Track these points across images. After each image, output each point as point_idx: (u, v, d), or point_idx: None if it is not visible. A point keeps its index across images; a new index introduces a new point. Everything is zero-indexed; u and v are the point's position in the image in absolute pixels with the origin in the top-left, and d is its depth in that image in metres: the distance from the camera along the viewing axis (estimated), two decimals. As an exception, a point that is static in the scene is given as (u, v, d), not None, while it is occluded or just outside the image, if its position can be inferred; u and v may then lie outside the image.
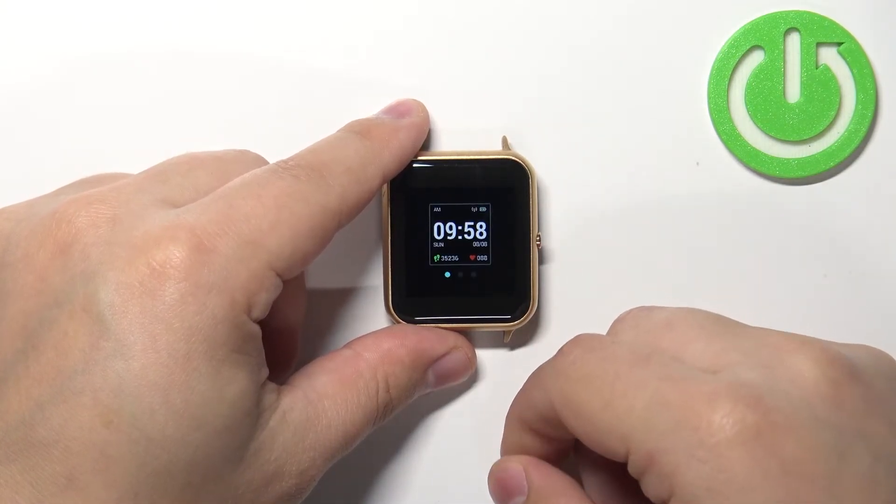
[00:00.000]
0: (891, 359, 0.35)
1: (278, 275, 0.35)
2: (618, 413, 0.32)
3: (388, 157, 0.39)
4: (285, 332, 0.40)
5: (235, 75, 0.43)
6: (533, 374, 0.38)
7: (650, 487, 0.32)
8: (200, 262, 0.33)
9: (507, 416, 0.40)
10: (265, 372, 0.36)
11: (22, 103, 0.43)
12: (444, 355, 0.41)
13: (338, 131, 0.40)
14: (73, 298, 0.33)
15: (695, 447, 0.30)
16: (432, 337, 0.41)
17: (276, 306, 0.36)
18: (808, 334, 0.35)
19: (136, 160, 0.41)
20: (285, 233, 0.35)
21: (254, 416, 0.34)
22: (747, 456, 0.30)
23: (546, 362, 0.37)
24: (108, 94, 0.43)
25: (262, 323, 0.35)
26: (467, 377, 0.43)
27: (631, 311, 0.38)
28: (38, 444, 0.32)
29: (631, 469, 0.33)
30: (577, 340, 0.36)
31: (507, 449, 0.40)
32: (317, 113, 0.43)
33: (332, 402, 0.37)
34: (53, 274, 0.34)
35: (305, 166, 0.37)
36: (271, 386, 0.36)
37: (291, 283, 0.37)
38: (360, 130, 0.39)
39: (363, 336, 0.40)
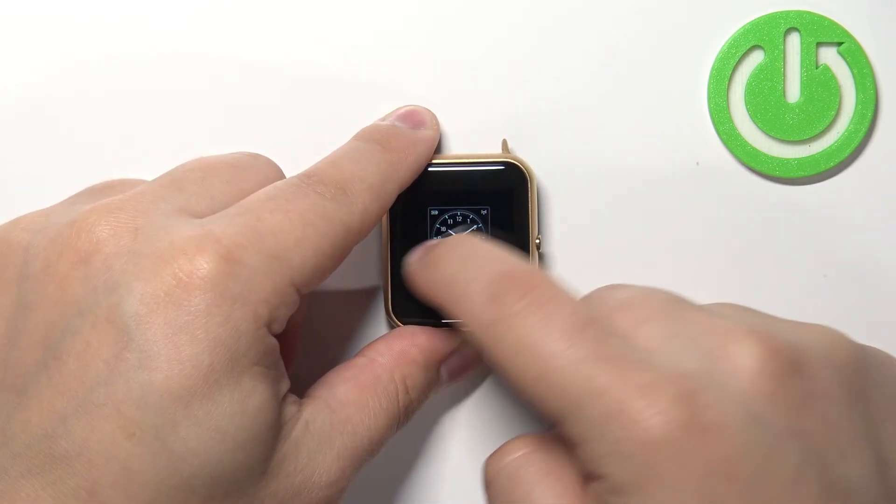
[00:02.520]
0: (845, 344, 0.34)
1: (297, 290, 0.35)
2: (551, 390, 0.32)
3: (405, 171, 0.39)
4: (286, 336, 0.40)
5: (238, 76, 0.43)
6: (463, 275, 0.35)
7: (581, 460, 0.32)
8: (227, 272, 0.33)
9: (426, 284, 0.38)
10: (286, 384, 0.36)
11: (27, 106, 0.43)
12: (453, 352, 0.41)
13: (357, 140, 0.40)
14: (95, 309, 0.33)
15: (624, 441, 0.30)
16: (440, 335, 0.41)
17: None
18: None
19: (142, 161, 0.41)
20: (309, 250, 0.35)
21: (276, 427, 0.34)
22: (674, 454, 0.30)
23: (479, 276, 0.34)
24: (112, 96, 0.43)
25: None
26: (477, 370, 0.43)
27: (598, 288, 0.37)
28: (61, 458, 0.32)
29: (564, 437, 0.32)
30: (521, 283, 0.33)
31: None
32: (318, 113, 0.43)
33: (355, 409, 0.37)
34: (75, 284, 0.33)
35: (330, 183, 0.36)
36: (292, 398, 0.36)
37: None
38: (381, 141, 0.39)
39: (373, 342, 0.40)
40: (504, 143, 0.42)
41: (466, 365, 0.42)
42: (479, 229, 0.41)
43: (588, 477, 0.32)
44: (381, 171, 0.38)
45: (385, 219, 0.41)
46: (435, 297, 0.36)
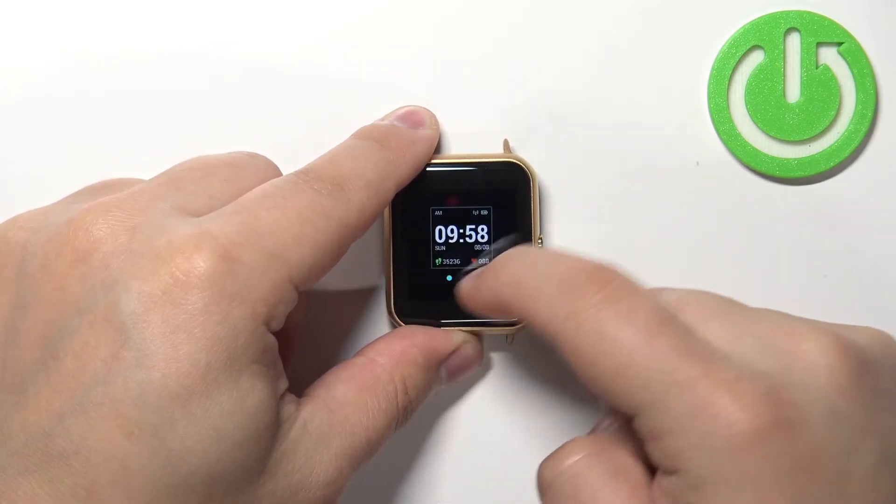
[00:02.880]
0: (893, 343, 0.35)
1: (296, 287, 0.35)
2: (633, 383, 0.31)
3: (403, 169, 0.39)
4: (284, 334, 0.40)
5: (238, 76, 0.43)
6: (530, 271, 0.35)
7: (655, 454, 0.32)
8: (224, 271, 0.33)
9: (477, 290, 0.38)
10: (284, 383, 0.35)
11: (27, 106, 0.43)
12: (453, 351, 0.41)
13: (355, 138, 0.40)
14: (93, 308, 0.33)
15: (709, 435, 0.30)
16: (440, 335, 0.41)
17: None
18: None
19: (142, 161, 0.41)
20: (307, 247, 0.35)
21: (274, 427, 0.34)
22: (760, 450, 0.30)
23: (551, 274, 0.34)
24: (112, 96, 0.43)
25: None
26: (477, 369, 0.43)
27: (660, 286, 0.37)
28: (59, 456, 0.32)
29: (637, 429, 0.32)
30: (596, 277, 0.33)
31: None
32: (318, 113, 0.43)
33: (354, 409, 0.37)
34: (73, 283, 0.33)
35: (327, 179, 0.36)
36: (290, 397, 0.36)
37: None
38: (379, 139, 0.39)
39: (373, 342, 0.40)
40: (506, 142, 0.42)
41: (466, 364, 0.42)
42: (481, 229, 0.41)
43: (663, 472, 0.32)
44: (379, 168, 0.38)
45: (387, 218, 0.41)
46: (501, 300, 0.36)
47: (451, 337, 0.41)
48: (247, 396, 0.33)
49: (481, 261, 0.41)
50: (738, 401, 0.30)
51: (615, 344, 0.32)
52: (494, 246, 0.41)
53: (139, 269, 0.33)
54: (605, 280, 0.33)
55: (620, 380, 0.32)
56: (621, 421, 0.35)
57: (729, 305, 0.35)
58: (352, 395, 0.37)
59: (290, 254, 0.34)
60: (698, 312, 0.34)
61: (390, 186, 0.38)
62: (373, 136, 0.39)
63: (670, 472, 0.31)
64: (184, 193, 0.36)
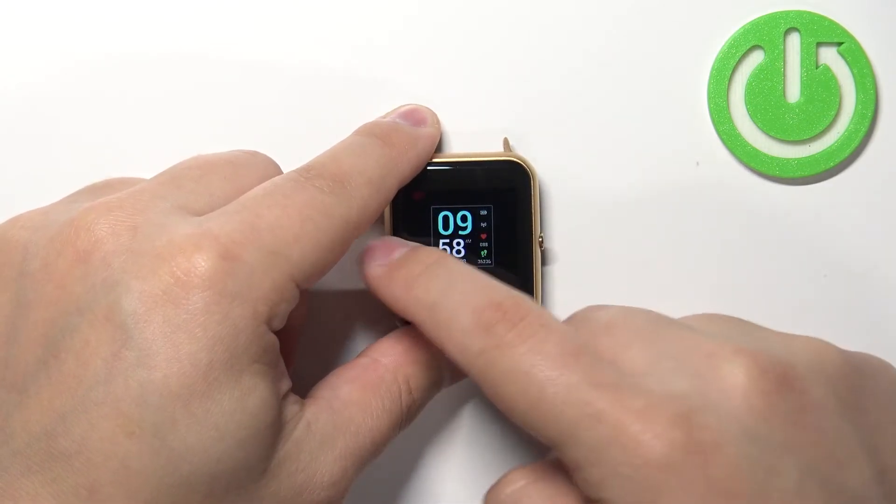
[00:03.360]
0: (835, 356, 0.34)
1: (297, 286, 0.35)
2: (546, 418, 0.32)
3: (405, 167, 0.39)
4: (286, 333, 0.40)
5: (238, 76, 0.43)
6: (451, 306, 0.35)
7: (580, 485, 0.32)
8: (225, 270, 0.33)
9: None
10: (287, 383, 0.35)
11: (27, 106, 0.43)
12: None
13: (356, 134, 0.39)
14: (94, 307, 0.33)
15: (623, 465, 0.30)
16: None
17: None
18: (807, 334, 0.35)
19: (142, 161, 0.41)
20: (308, 245, 0.35)
21: (276, 426, 0.34)
22: (674, 476, 0.30)
23: (465, 305, 0.35)
24: (112, 96, 0.43)
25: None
26: None
27: (578, 311, 0.37)
28: (60, 456, 0.32)
29: (562, 461, 0.33)
30: (510, 313, 0.34)
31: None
32: (318, 113, 0.43)
33: (358, 410, 0.37)
34: (74, 282, 0.33)
35: (328, 177, 0.36)
36: (294, 398, 0.36)
37: None
38: (381, 136, 0.39)
39: (376, 343, 0.40)
40: (505, 141, 0.42)
41: None
42: (481, 228, 0.41)
43: (589, 502, 0.32)
44: (381, 165, 0.38)
45: (388, 218, 0.41)
46: (413, 318, 0.36)
47: None
48: (248, 395, 0.33)
49: (482, 262, 0.41)
50: (649, 428, 0.30)
51: (527, 379, 0.32)
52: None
53: (140, 268, 0.33)
54: (519, 315, 0.34)
55: (534, 414, 0.32)
56: None
57: (654, 325, 0.35)
58: (356, 396, 0.37)
59: (291, 252, 0.34)
60: (622, 335, 0.34)
61: (392, 183, 0.38)
62: (374, 133, 0.39)
63: (594, 501, 0.32)
64: (184, 192, 0.36)
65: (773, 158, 0.43)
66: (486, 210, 0.41)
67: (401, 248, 0.38)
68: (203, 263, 0.33)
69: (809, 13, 0.42)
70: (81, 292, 0.33)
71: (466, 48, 0.43)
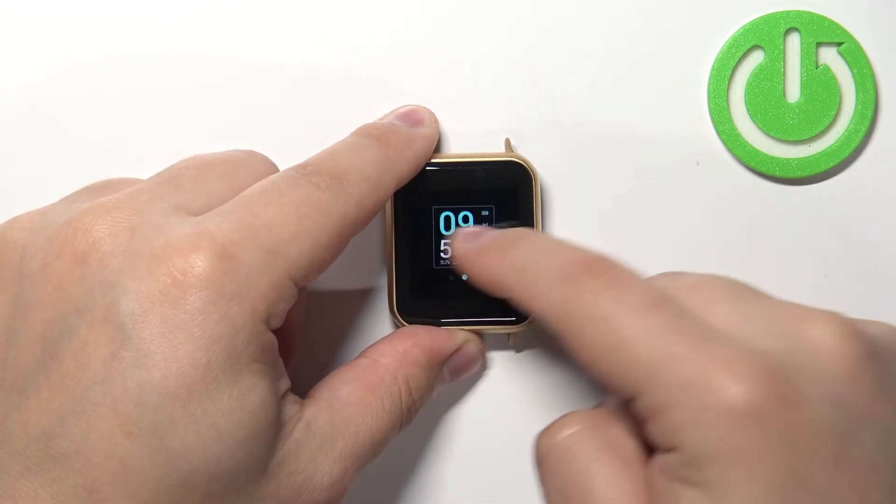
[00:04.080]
0: None
1: (295, 284, 0.35)
2: (626, 360, 0.31)
3: (403, 165, 0.39)
4: (285, 332, 0.40)
5: (238, 76, 0.43)
6: (528, 260, 0.36)
7: (654, 434, 0.31)
8: (222, 270, 0.33)
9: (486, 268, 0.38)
10: (285, 383, 0.35)
11: (28, 106, 0.43)
12: (455, 351, 0.41)
13: (353, 135, 0.39)
14: (92, 308, 0.33)
15: (704, 409, 0.30)
16: (443, 334, 0.41)
17: None
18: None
19: (142, 161, 0.41)
20: (305, 242, 0.35)
21: (276, 426, 0.34)
22: (755, 426, 0.29)
23: (552, 264, 0.35)
24: (112, 96, 0.43)
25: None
26: (479, 368, 0.43)
27: (660, 274, 0.36)
28: (60, 457, 0.32)
29: (636, 411, 0.32)
30: (595, 266, 0.34)
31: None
32: (318, 113, 0.43)
33: (358, 410, 0.37)
34: (72, 284, 0.33)
35: (325, 174, 0.36)
36: (293, 398, 0.36)
37: None
38: (378, 136, 0.39)
39: (376, 343, 0.40)
40: (507, 142, 0.42)
41: (468, 364, 0.42)
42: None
43: (660, 449, 0.31)
44: (378, 164, 0.38)
45: (389, 218, 0.41)
46: (504, 282, 0.36)
47: (453, 336, 0.41)
48: (247, 395, 0.33)
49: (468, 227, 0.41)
50: (733, 375, 0.30)
51: (608, 324, 0.32)
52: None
53: (137, 269, 0.33)
54: (603, 268, 0.33)
55: (614, 358, 0.32)
56: (620, 400, 0.35)
57: (741, 290, 0.34)
58: (355, 396, 0.37)
59: (288, 250, 0.34)
60: (709, 295, 0.34)
61: (389, 183, 0.38)
62: (371, 134, 0.39)
63: (668, 449, 0.31)
64: (182, 192, 0.36)
65: (773, 158, 0.43)
66: (487, 210, 0.41)
67: (491, 231, 0.39)
68: (200, 263, 0.33)
69: (809, 13, 0.43)
70: (80, 293, 0.33)
71: (467, 48, 0.43)
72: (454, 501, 0.44)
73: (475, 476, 0.44)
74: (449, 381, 0.41)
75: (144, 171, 0.40)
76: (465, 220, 0.41)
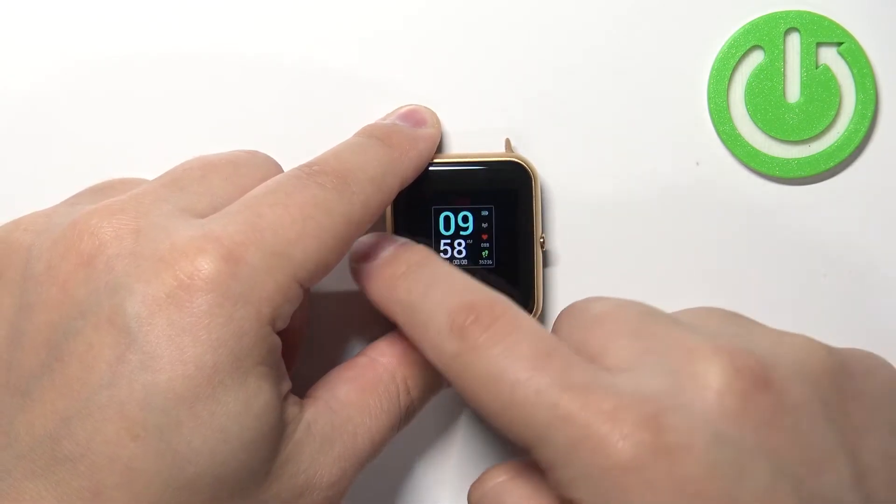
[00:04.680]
0: (821, 355, 0.34)
1: (301, 285, 0.35)
2: (517, 419, 0.32)
3: (407, 165, 0.39)
4: (289, 333, 0.40)
5: (238, 76, 0.43)
6: (418, 317, 0.36)
7: (552, 486, 0.32)
8: (228, 273, 0.33)
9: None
10: (287, 384, 0.35)
11: (28, 106, 0.43)
12: None
13: (357, 136, 0.39)
14: (98, 310, 0.33)
15: (592, 466, 0.30)
16: None
17: None
18: (807, 334, 0.35)
19: (142, 161, 0.42)
20: (311, 244, 0.35)
21: (279, 428, 0.34)
22: (641, 477, 0.30)
23: (442, 306, 0.35)
24: (112, 96, 0.43)
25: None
26: None
27: (577, 302, 0.37)
28: (65, 459, 0.32)
29: (536, 461, 0.32)
30: (483, 315, 0.34)
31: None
32: (319, 113, 0.43)
33: (357, 410, 0.37)
34: (77, 286, 0.33)
35: (330, 173, 0.36)
36: (294, 398, 0.36)
37: None
38: (382, 137, 0.39)
39: (375, 342, 0.40)
40: (507, 142, 0.42)
41: None
42: (483, 228, 0.41)
43: (562, 501, 0.32)
44: (382, 164, 0.38)
45: (389, 217, 0.41)
46: (393, 317, 0.36)
47: None
48: (253, 398, 0.33)
49: (483, 263, 0.41)
50: (616, 429, 0.30)
51: (497, 384, 0.32)
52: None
53: (143, 271, 0.33)
54: (493, 316, 0.33)
55: (506, 417, 0.32)
56: None
57: (644, 319, 0.34)
58: (354, 396, 0.37)
59: (293, 251, 0.34)
60: (611, 328, 0.34)
61: (394, 183, 0.38)
62: (375, 134, 0.39)
63: (567, 501, 0.32)
64: (186, 194, 0.36)
65: (773, 158, 0.43)
66: (487, 211, 0.41)
67: (388, 245, 0.38)
68: (206, 266, 0.33)
69: (809, 13, 0.42)
70: (85, 296, 0.33)
71: (467, 48, 0.43)
72: (454, 501, 0.44)
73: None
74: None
75: (145, 170, 0.40)
76: (465, 220, 0.41)
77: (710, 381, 0.32)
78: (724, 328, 0.35)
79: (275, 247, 0.34)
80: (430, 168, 0.41)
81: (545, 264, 0.43)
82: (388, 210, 0.41)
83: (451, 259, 0.41)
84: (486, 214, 0.41)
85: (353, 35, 0.43)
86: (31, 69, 0.43)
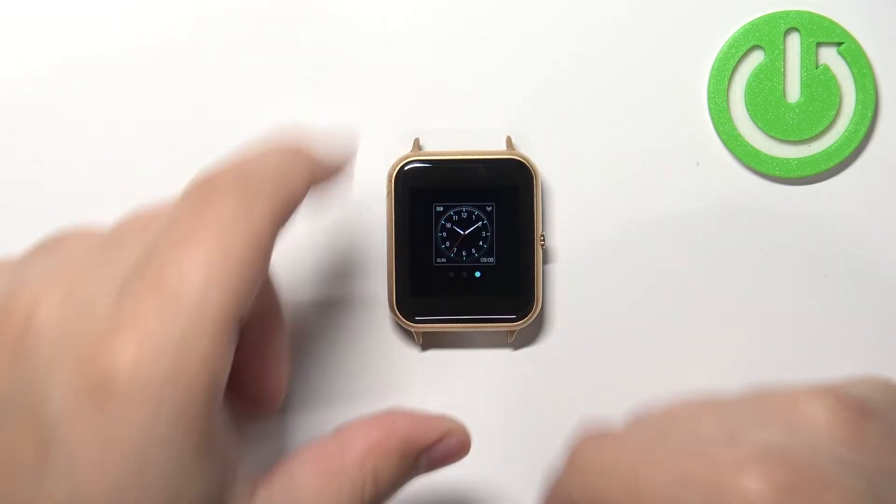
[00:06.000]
0: (893, 385, 0.34)
1: (234, 323, 0.31)
2: (643, 495, 0.31)
3: (313, 160, 0.35)
4: (261, 321, 0.37)
5: (238, 76, 0.43)
6: (548, 485, 0.35)
7: None
8: (148, 359, 0.30)
9: None
10: (235, 455, 0.33)
11: (27, 106, 0.43)
12: (437, 441, 0.37)
13: (254, 141, 0.36)
14: (22, 410, 0.30)
15: None
16: (424, 423, 0.37)
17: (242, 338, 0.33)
18: (807, 335, 0.35)
19: (142, 161, 0.42)
20: (223, 281, 0.31)
21: None
22: None
23: (558, 468, 0.34)
24: (113, 96, 0.43)
25: (236, 360, 0.32)
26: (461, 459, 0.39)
27: (628, 422, 0.35)
28: None
29: None
30: (583, 436, 0.33)
31: None
32: (318, 113, 0.43)
33: (314, 498, 0.35)
34: (4, 374, 0.31)
35: (226, 184, 0.32)
36: (248, 477, 0.33)
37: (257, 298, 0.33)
38: (281, 138, 0.35)
39: (352, 423, 0.37)
40: (508, 140, 0.42)
41: (449, 457, 0.38)
42: (483, 226, 0.41)
43: None
44: (283, 162, 0.34)
45: (390, 215, 0.41)
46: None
47: (435, 426, 0.37)
48: (189, 486, 0.31)
49: (484, 260, 0.41)
50: (747, 474, 0.29)
51: (617, 468, 0.32)
52: None
53: (64, 364, 0.30)
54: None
55: (631, 496, 0.31)
56: None
57: (716, 401, 0.34)
58: (315, 483, 0.35)
59: (208, 300, 0.31)
60: (692, 415, 0.34)
61: (301, 178, 0.34)
62: (275, 137, 0.35)
63: None
64: (125, 251, 0.33)
65: (773, 158, 0.43)
66: (488, 207, 0.41)
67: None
68: (126, 353, 0.30)
69: (809, 13, 0.43)
70: (7, 392, 0.31)
71: (469, 46, 0.43)
72: (454, 501, 0.44)
73: (475, 475, 0.43)
74: (426, 471, 0.38)
75: (144, 170, 0.40)
76: (467, 216, 0.41)
77: (818, 417, 0.31)
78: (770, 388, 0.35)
79: (188, 307, 0.30)
80: (432, 165, 0.41)
81: (545, 261, 0.43)
82: (389, 207, 0.41)
83: (452, 256, 0.41)
84: (487, 211, 0.41)
85: (353, 35, 0.43)
86: (31, 69, 0.43)
